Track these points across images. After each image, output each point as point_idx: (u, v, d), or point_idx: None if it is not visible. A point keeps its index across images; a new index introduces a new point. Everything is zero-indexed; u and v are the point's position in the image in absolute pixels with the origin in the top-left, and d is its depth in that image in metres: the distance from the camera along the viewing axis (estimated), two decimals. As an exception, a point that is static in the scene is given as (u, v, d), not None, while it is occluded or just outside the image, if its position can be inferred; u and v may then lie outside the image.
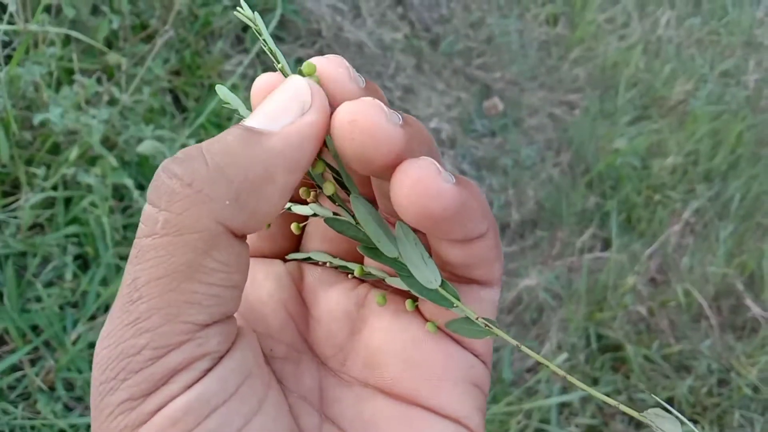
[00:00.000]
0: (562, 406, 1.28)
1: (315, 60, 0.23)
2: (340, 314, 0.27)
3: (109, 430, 0.20)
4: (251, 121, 0.22)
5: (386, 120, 0.21)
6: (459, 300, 0.25)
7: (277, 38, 1.53)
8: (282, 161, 0.21)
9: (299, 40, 1.56)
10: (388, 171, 0.22)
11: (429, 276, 0.24)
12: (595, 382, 1.33)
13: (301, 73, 0.23)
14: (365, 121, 0.21)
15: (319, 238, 0.29)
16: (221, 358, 0.21)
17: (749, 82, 2.07)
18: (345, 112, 0.21)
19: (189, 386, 0.20)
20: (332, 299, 0.28)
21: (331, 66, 0.23)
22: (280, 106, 0.22)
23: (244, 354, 0.22)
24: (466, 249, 0.24)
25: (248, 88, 1.43)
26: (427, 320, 0.27)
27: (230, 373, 0.21)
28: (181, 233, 0.20)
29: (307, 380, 0.26)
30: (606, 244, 1.58)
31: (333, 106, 0.22)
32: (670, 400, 1.32)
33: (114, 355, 0.20)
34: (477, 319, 0.25)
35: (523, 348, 0.25)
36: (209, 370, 0.21)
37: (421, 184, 0.21)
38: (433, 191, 0.21)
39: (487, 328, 0.25)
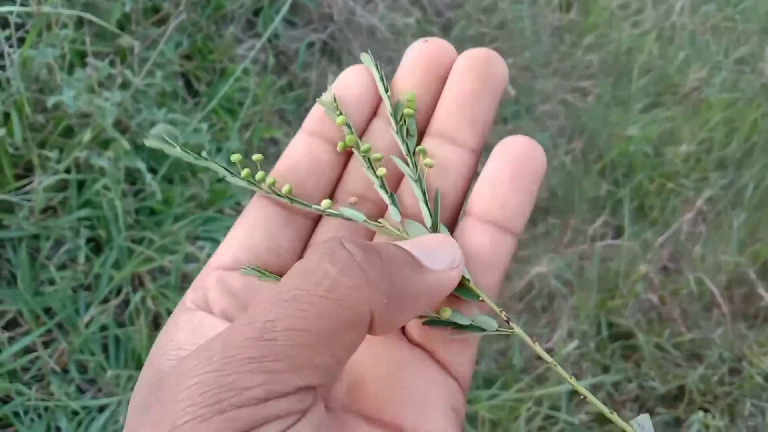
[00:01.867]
0: (573, 393, 1.28)
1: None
2: None
3: None
4: (416, 250, 0.26)
5: None
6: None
7: (289, 23, 1.52)
8: (428, 293, 0.25)
9: (311, 25, 1.55)
10: (497, 97, 0.31)
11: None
12: (605, 370, 1.33)
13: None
14: (494, 55, 0.31)
15: None
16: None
17: (765, 69, 2.04)
18: (481, 50, 0.30)
19: None
20: None
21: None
22: (440, 255, 0.26)
23: (318, 415, 0.23)
24: (494, 238, 0.28)
25: (259, 73, 1.43)
26: (414, 343, 0.29)
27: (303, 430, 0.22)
28: (340, 305, 0.22)
29: None
30: (618, 232, 1.57)
31: None
32: (681, 389, 1.32)
33: (224, 382, 0.20)
34: (480, 299, 0.28)
35: (519, 333, 0.29)
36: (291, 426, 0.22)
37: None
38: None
39: (507, 322, 0.28)
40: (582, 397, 0.26)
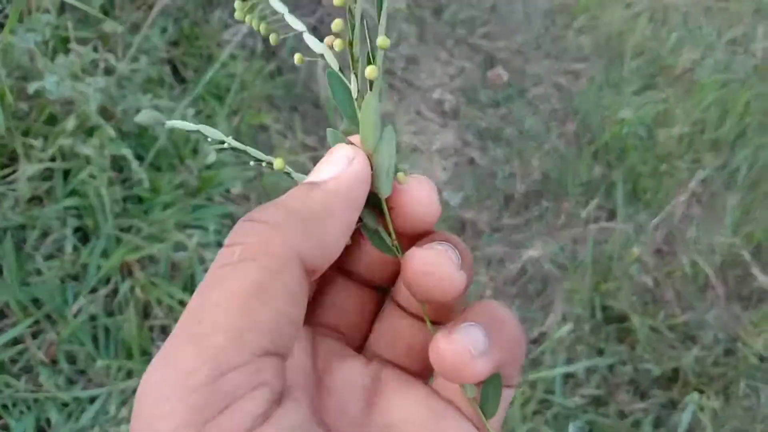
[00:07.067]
0: (567, 376, 1.28)
1: (407, 178, 0.27)
2: (356, 386, 0.27)
3: None
4: (308, 178, 0.25)
5: (456, 271, 0.25)
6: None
7: (277, 7, 1.50)
8: (338, 199, 0.24)
9: (299, 9, 1.53)
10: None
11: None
12: (600, 353, 1.32)
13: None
14: (439, 274, 0.25)
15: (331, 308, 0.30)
16: (276, 403, 0.21)
17: (757, 50, 2.03)
18: (420, 263, 0.25)
19: (252, 421, 0.20)
20: (347, 371, 0.28)
21: (421, 188, 0.27)
22: (329, 163, 0.25)
23: (299, 408, 0.22)
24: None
25: (247, 58, 1.41)
26: (442, 398, 0.28)
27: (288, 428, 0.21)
28: (255, 258, 0.22)
29: None
30: (611, 215, 1.56)
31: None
32: (675, 371, 1.32)
33: (170, 373, 0.20)
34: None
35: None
36: (267, 414, 0.21)
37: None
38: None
39: None
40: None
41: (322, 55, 0.28)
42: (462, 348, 0.24)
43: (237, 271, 0.21)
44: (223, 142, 0.27)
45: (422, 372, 0.29)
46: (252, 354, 0.21)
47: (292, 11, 0.28)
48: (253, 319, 0.21)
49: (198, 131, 0.27)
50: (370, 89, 0.27)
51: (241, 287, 0.21)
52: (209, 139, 0.27)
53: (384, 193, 0.26)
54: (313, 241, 0.23)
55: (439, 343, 0.25)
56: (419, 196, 0.26)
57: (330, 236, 0.24)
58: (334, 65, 0.28)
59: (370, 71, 0.26)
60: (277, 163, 0.27)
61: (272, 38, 0.28)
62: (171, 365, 0.20)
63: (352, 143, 0.27)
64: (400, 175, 0.26)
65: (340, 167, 0.25)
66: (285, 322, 0.22)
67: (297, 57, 0.28)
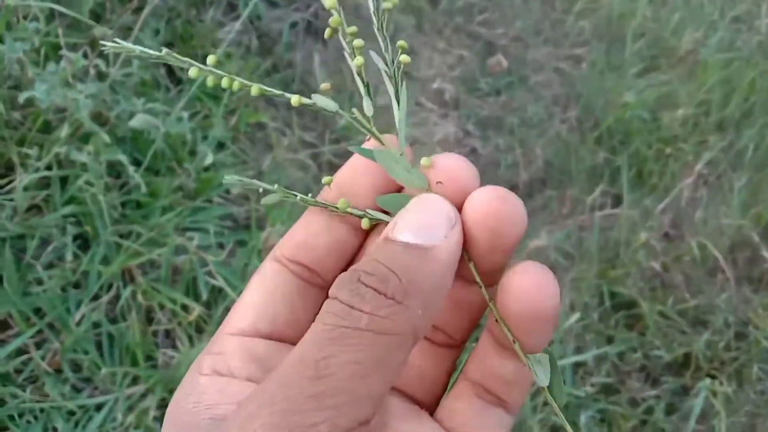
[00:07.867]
0: (577, 365, 1.27)
1: (440, 157, 0.27)
2: None
3: None
4: (408, 236, 0.25)
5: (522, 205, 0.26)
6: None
7: (271, 3, 1.49)
8: (449, 269, 0.25)
9: (294, 4, 1.51)
10: (509, 251, 0.27)
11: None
12: (609, 341, 1.31)
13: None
14: (513, 200, 0.26)
15: None
16: None
17: (761, 26, 2.00)
18: (495, 192, 0.26)
19: None
20: None
21: (460, 164, 0.27)
22: (433, 222, 0.25)
23: None
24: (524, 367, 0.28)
25: (242, 57, 1.40)
26: (446, 429, 0.28)
27: None
28: (383, 333, 0.23)
29: None
30: (617, 201, 1.54)
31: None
32: (687, 356, 1.30)
33: (291, 421, 0.21)
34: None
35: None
36: None
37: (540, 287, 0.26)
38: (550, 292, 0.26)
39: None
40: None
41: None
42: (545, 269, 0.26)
43: (365, 340, 0.22)
44: (296, 195, 0.28)
45: (429, 401, 0.29)
46: (360, 421, 0.22)
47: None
48: (369, 390, 0.22)
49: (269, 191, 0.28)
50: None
51: (365, 358, 0.22)
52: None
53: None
54: (429, 317, 0.24)
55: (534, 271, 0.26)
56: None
57: (441, 307, 0.25)
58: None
59: (403, 46, 0.28)
60: (328, 177, 0.29)
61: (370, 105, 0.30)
62: (289, 413, 0.21)
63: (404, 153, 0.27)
64: (424, 160, 0.26)
65: (444, 230, 0.25)
66: (385, 392, 0.23)
67: (294, 99, 0.29)
